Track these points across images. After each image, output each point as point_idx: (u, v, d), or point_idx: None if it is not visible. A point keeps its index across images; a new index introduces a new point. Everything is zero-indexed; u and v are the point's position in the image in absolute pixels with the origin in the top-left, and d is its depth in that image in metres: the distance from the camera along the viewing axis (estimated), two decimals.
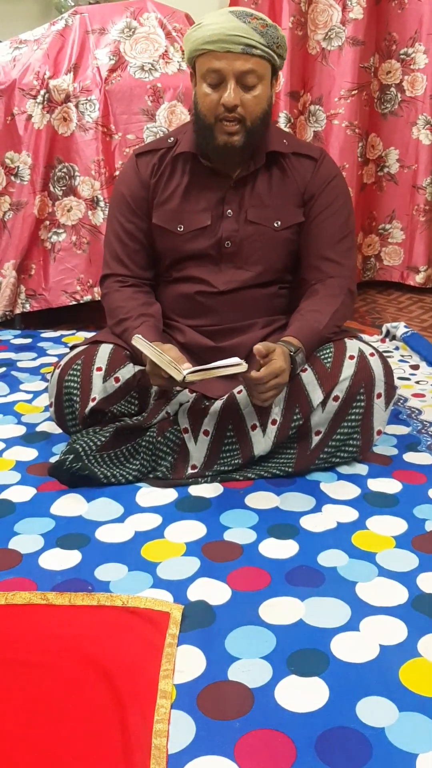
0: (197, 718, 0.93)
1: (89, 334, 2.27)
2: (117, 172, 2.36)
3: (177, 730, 0.91)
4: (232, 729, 0.91)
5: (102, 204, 2.37)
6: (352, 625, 1.09)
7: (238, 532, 1.32)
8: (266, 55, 1.40)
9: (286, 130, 2.65)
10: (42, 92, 2.32)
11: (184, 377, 1.34)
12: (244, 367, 1.34)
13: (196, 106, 1.47)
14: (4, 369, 2.12)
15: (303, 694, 0.97)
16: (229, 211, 1.53)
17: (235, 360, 1.35)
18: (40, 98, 2.33)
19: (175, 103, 2.36)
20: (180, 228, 1.55)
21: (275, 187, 1.55)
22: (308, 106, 2.78)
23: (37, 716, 0.93)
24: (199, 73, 1.43)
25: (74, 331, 2.47)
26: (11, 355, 2.24)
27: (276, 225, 1.55)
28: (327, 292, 1.54)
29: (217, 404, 1.47)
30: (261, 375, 1.33)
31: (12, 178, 2.39)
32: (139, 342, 1.35)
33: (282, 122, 2.66)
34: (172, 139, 1.58)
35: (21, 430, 1.72)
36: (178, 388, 1.48)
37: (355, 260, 1.64)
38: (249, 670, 1.00)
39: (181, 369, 1.34)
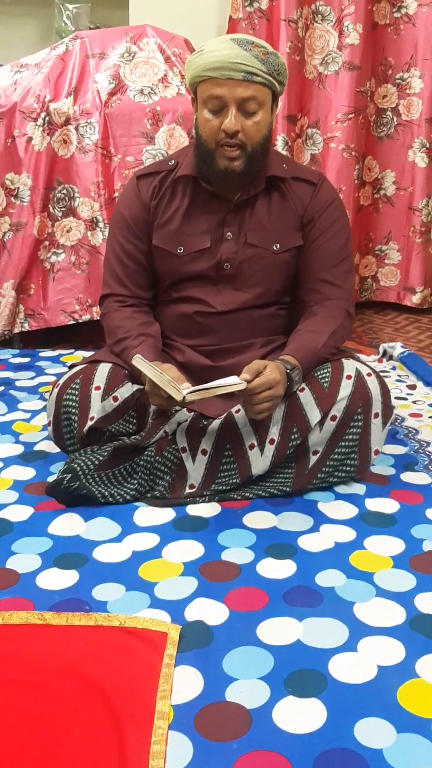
0: (195, 740, 0.92)
1: (88, 354, 2.28)
2: (116, 194, 2.39)
3: (174, 751, 0.90)
4: (229, 750, 0.91)
5: (101, 225, 2.39)
6: (350, 646, 1.09)
7: (236, 551, 1.32)
8: (267, 82, 1.42)
9: (284, 153, 2.68)
10: (42, 115, 2.36)
11: (184, 397, 1.34)
12: (243, 385, 1.35)
13: (197, 131, 1.49)
14: (2, 388, 2.12)
15: (301, 715, 0.96)
16: (229, 233, 1.55)
17: (235, 379, 1.36)
18: (40, 121, 2.36)
19: (174, 127, 2.39)
20: (180, 250, 1.57)
21: (275, 210, 1.56)
22: (305, 129, 2.82)
23: (33, 737, 0.92)
24: (201, 98, 1.46)
25: (73, 351, 2.48)
26: (10, 374, 2.25)
27: (275, 248, 1.56)
28: (326, 313, 1.55)
29: (215, 423, 1.48)
30: (254, 385, 1.34)
31: (12, 199, 2.41)
32: (139, 362, 1.36)
33: (280, 145, 2.69)
34: (173, 162, 1.60)
35: (19, 449, 1.72)
36: (176, 408, 1.49)
37: (354, 283, 1.66)
38: (246, 691, 1.00)
39: (181, 389, 1.35)
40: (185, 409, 1.50)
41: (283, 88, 1.51)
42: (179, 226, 1.57)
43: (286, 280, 1.61)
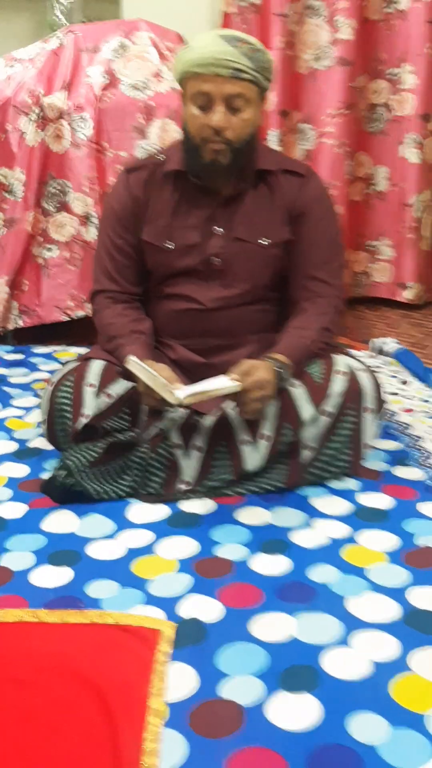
0: (189, 737, 0.93)
1: (81, 350, 2.28)
2: (112, 185, 2.38)
3: (168, 748, 0.91)
4: (224, 747, 0.91)
5: (95, 220, 2.38)
6: (343, 641, 1.09)
7: (230, 548, 1.32)
8: (254, 78, 1.42)
9: (276, 148, 2.68)
10: (35, 110, 2.34)
11: (180, 401, 1.34)
12: (238, 386, 1.35)
13: (185, 126, 1.49)
14: None
15: (295, 711, 0.97)
16: (218, 228, 1.55)
17: (228, 381, 1.35)
18: (33, 116, 2.34)
19: (168, 121, 2.38)
20: (169, 244, 1.57)
21: (263, 204, 1.56)
22: (298, 124, 2.81)
23: (27, 734, 0.92)
24: (188, 94, 1.45)
25: (66, 347, 2.47)
26: (3, 370, 2.24)
27: (264, 242, 1.56)
28: (315, 310, 1.55)
29: (209, 420, 1.48)
30: (244, 386, 1.34)
31: (5, 194, 2.40)
32: (133, 365, 1.35)
33: (272, 140, 2.69)
34: (162, 156, 1.60)
35: (13, 447, 1.72)
36: (168, 409, 1.49)
37: (344, 279, 1.65)
38: (240, 688, 1.00)
39: (174, 390, 1.34)
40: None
41: (269, 84, 1.49)
42: (168, 220, 1.57)
43: (274, 276, 1.60)
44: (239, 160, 1.48)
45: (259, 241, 1.56)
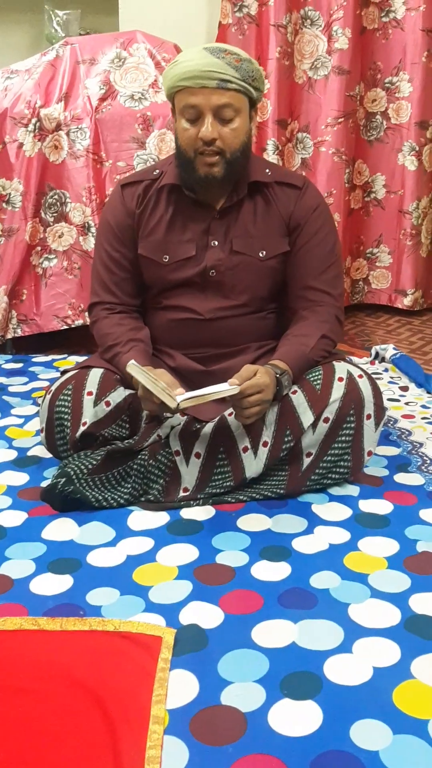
0: (190, 744, 0.92)
1: (80, 359, 2.28)
2: (108, 199, 2.39)
3: (170, 755, 0.90)
4: (225, 754, 0.91)
5: (93, 230, 2.39)
6: (345, 648, 1.09)
7: (231, 554, 1.32)
8: (242, 88, 1.42)
9: (274, 157, 2.69)
10: (33, 121, 2.36)
11: (178, 404, 1.34)
12: (236, 390, 1.35)
13: (176, 140, 1.50)
14: None
15: (296, 718, 0.96)
16: (214, 241, 1.55)
17: (227, 385, 1.36)
18: (31, 127, 2.36)
19: (165, 131, 2.40)
20: (165, 258, 1.57)
21: (260, 216, 1.57)
22: (296, 133, 2.83)
23: (28, 743, 0.92)
24: (178, 108, 1.46)
25: (65, 356, 2.48)
26: (2, 379, 2.24)
27: (261, 255, 1.57)
28: (316, 318, 1.56)
29: (209, 427, 1.48)
30: (243, 387, 1.34)
31: (3, 204, 2.41)
32: (133, 368, 1.35)
33: (270, 150, 2.70)
34: (157, 171, 1.60)
35: (12, 455, 1.72)
36: (168, 414, 1.49)
37: (343, 288, 1.66)
38: (242, 694, 1.00)
39: (175, 396, 1.34)
40: (178, 413, 1.50)
41: (261, 95, 1.50)
42: (164, 235, 1.57)
43: (273, 287, 1.61)
44: (233, 172, 1.49)
45: (257, 253, 1.56)
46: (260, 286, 1.59)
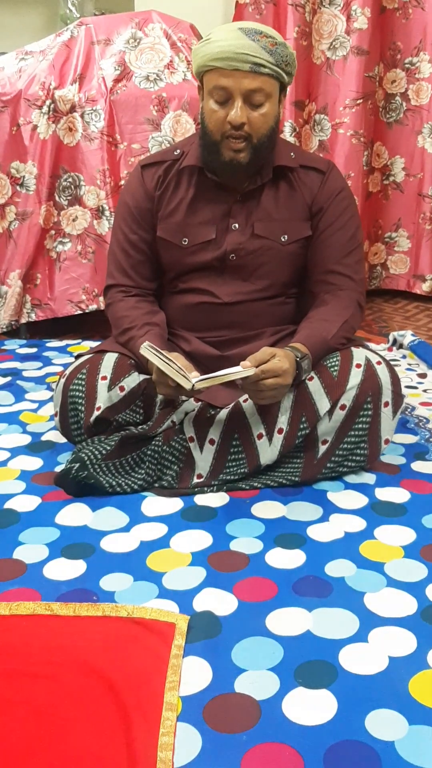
0: (203, 731, 0.91)
1: (94, 344, 2.27)
2: (122, 182, 2.37)
3: (183, 743, 0.90)
4: (238, 742, 0.90)
5: (107, 213, 2.37)
6: (360, 637, 1.08)
7: (245, 541, 1.31)
8: (274, 73, 1.39)
9: (291, 139, 2.65)
10: (47, 102, 2.33)
11: (193, 386, 1.33)
12: (252, 371, 1.33)
13: (203, 121, 1.47)
14: (9, 378, 2.11)
15: (311, 707, 0.95)
16: (235, 224, 1.53)
17: (245, 364, 1.34)
18: (45, 108, 2.34)
19: (180, 113, 2.37)
20: (185, 241, 1.55)
21: (282, 200, 1.54)
22: (313, 115, 2.78)
23: (41, 728, 0.91)
24: (207, 88, 1.43)
25: (80, 341, 2.47)
26: (17, 364, 2.24)
27: (283, 239, 1.54)
28: (337, 303, 1.53)
29: (223, 413, 1.46)
30: (259, 371, 1.32)
31: (18, 187, 2.40)
32: (147, 351, 1.34)
33: (287, 131, 2.66)
34: (178, 151, 1.57)
35: (26, 440, 1.72)
36: (183, 397, 1.47)
37: (364, 273, 1.63)
38: (256, 682, 0.99)
39: (190, 377, 1.33)
40: (192, 399, 1.49)
41: (292, 79, 1.47)
42: (183, 217, 1.55)
43: (294, 272, 1.59)
44: (259, 158, 1.46)
45: (279, 238, 1.54)
46: (281, 272, 1.57)
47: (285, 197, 1.54)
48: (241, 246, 1.53)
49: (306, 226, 1.55)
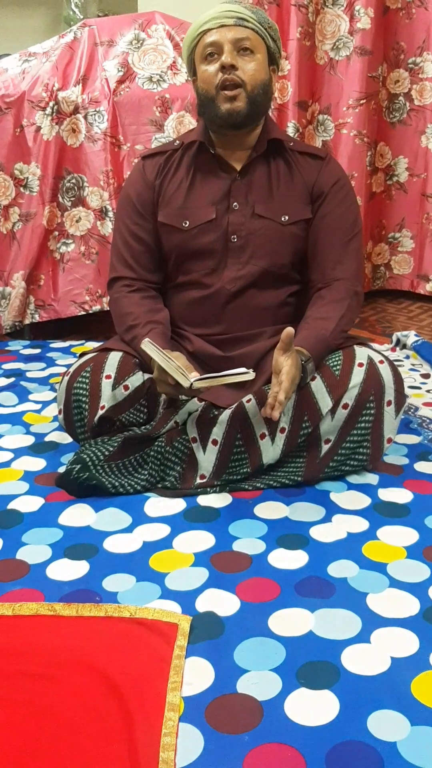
0: (205, 732, 0.91)
1: (98, 344, 2.27)
2: (129, 174, 2.37)
3: (185, 743, 0.90)
4: (241, 743, 0.90)
5: (110, 214, 2.38)
6: (362, 637, 1.07)
7: (247, 542, 1.31)
8: (258, 29, 1.46)
9: (296, 138, 2.65)
10: (51, 104, 2.34)
11: (191, 384, 1.33)
12: (251, 375, 1.33)
13: (198, 91, 1.51)
14: (13, 379, 2.12)
15: (313, 708, 0.95)
16: (236, 204, 1.54)
17: (244, 369, 1.34)
18: (49, 110, 2.34)
19: (183, 114, 2.37)
20: (185, 224, 1.56)
21: (282, 181, 1.56)
22: (317, 115, 2.78)
23: (43, 728, 0.92)
24: (198, 56, 1.49)
25: (83, 342, 2.47)
26: (20, 365, 2.25)
27: (283, 219, 1.55)
28: (333, 297, 1.53)
29: (226, 413, 1.46)
30: (284, 394, 1.31)
31: (21, 189, 2.40)
32: (148, 346, 1.34)
33: (290, 132, 2.66)
34: (178, 142, 1.61)
35: (29, 440, 1.72)
36: (184, 397, 1.47)
37: (362, 261, 1.65)
38: (258, 683, 0.99)
39: (189, 376, 1.33)
40: (195, 399, 1.49)
41: (278, 52, 1.52)
42: (184, 200, 1.56)
43: (293, 255, 1.59)
44: (256, 110, 1.49)
45: (279, 218, 1.54)
46: (281, 252, 1.57)
47: (285, 178, 1.56)
48: (242, 226, 1.54)
49: (306, 209, 1.56)
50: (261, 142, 1.54)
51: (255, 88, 1.46)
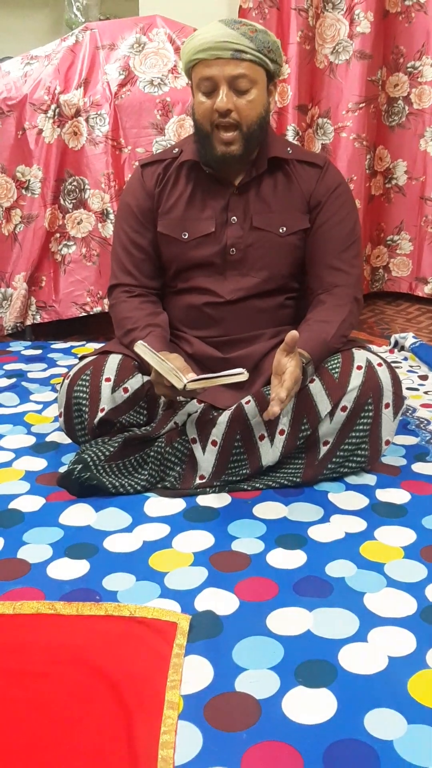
0: (204, 730, 0.92)
1: (99, 346, 2.28)
2: (128, 181, 2.38)
3: (184, 741, 0.91)
4: (239, 740, 0.91)
5: (111, 217, 2.39)
6: (360, 636, 1.08)
7: (246, 542, 1.32)
8: (257, 59, 1.41)
9: (295, 143, 2.66)
10: (53, 107, 2.35)
11: (185, 385, 1.34)
12: (245, 376, 1.34)
13: (193, 116, 1.49)
14: (14, 380, 2.13)
15: (311, 706, 0.96)
16: (234, 217, 1.54)
17: (238, 369, 1.35)
18: (50, 113, 2.35)
19: (184, 117, 2.38)
20: (185, 235, 1.57)
21: (280, 192, 1.56)
22: (316, 119, 2.79)
23: (43, 726, 0.93)
24: (194, 83, 1.46)
25: (84, 343, 2.49)
26: (22, 365, 2.26)
27: (281, 231, 1.55)
28: (334, 302, 1.54)
29: (225, 415, 1.47)
30: (289, 387, 1.30)
31: (23, 191, 2.42)
32: (141, 348, 1.35)
33: (290, 135, 2.67)
34: (177, 149, 1.60)
35: (31, 440, 1.73)
36: (182, 399, 1.49)
37: (362, 268, 1.65)
38: (256, 681, 1.00)
39: (183, 377, 1.34)
40: (195, 401, 1.50)
41: (279, 69, 1.48)
42: (183, 212, 1.56)
43: (293, 265, 1.59)
44: (251, 148, 1.47)
45: (277, 229, 1.55)
46: (280, 264, 1.57)
47: (282, 189, 1.55)
48: (241, 240, 1.54)
49: (304, 218, 1.56)
50: (261, 161, 1.52)
51: (251, 126, 1.44)
